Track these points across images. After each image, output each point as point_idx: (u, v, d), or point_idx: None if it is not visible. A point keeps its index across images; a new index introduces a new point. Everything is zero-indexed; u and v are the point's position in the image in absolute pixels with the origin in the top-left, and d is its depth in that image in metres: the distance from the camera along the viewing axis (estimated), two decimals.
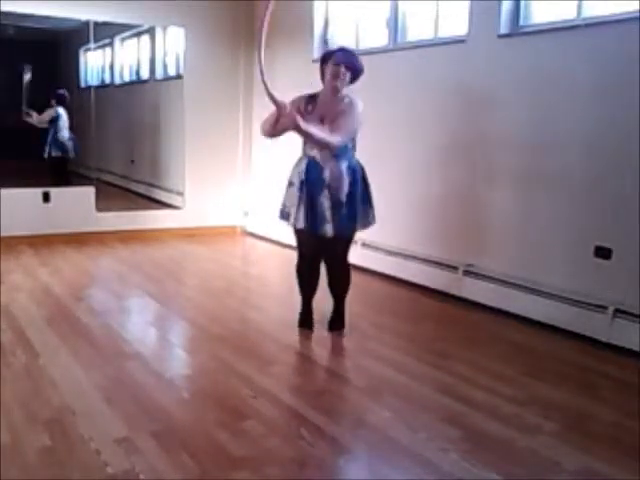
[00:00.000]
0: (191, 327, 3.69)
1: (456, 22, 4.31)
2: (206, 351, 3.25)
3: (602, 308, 3.37)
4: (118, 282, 4.64)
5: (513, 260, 3.92)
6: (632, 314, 3.25)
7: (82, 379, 2.79)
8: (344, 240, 3.36)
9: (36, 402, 2.54)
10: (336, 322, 3.54)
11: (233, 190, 6.55)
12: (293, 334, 3.47)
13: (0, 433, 2.26)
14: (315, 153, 3.24)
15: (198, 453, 2.18)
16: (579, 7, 3.57)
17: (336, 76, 3.18)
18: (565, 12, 3.67)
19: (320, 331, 3.51)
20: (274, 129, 3.17)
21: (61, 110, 6.27)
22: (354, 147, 3.31)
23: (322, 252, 3.42)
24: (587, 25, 3.48)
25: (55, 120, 6.27)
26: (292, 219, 3.27)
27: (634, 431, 2.45)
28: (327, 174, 3.21)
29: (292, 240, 5.67)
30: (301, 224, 3.24)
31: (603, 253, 3.43)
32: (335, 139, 3.11)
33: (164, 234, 6.17)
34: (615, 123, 3.37)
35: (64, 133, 6.32)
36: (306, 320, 3.54)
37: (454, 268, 4.22)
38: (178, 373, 3.02)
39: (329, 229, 3.22)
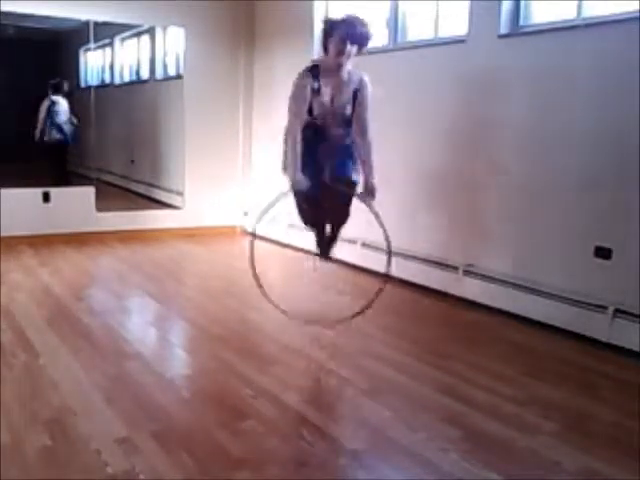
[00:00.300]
0: (191, 327, 3.69)
1: (456, 22, 4.31)
2: (206, 351, 3.25)
3: (602, 308, 3.37)
4: (118, 282, 4.64)
5: (513, 260, 3.92)
6: (632, 314, 3.25)
7: (82, 379, 2.79)
8: (346, 192, 3.39)
9: (36, 402, 2.54)
10: (329, 248, 3.69)
11: (233, 190, 6.55)
12: (293, 334, 3.47)
13: (0, 433, 2.26)
14: (317, 120, 3.29)
15: (198, 453, 2.18)
16: (579, 7, 3.57)
17: (341, 53, 3.14)
18: (565, 12, 3.66)
19: (320, 331, 3.51)
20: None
21: (56, 97, 6.25)
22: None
23: (324, 213, 3.49)
24: (587, 25, 3.47)
25: (50, 107, 6.26)
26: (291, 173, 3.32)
27: (634, 431, 2.45)
28: (329, 135, 3.30)
29: (291, 240, 5.67)
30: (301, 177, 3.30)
31: (603, 253, 3.43)
32: (371, 137, 3.30)
33: (164, 234, 6.17)
34: (615, 123, 3.36)
35: (61, 117, 6.31)
36: (322, 248, 3.67)
37: (454, 268, 4.22)
38: (178, 373, 3.02)
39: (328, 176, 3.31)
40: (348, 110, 3.28)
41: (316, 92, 3.23)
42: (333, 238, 3.70)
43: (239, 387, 2.75)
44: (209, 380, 2.89)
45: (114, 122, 6.83)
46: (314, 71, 3.27)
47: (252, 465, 2.12)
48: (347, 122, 3.30)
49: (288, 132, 3.29)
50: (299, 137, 3.26)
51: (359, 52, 3.19)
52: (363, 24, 3.18)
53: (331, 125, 3.30)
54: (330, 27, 3.22)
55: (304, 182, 3.25)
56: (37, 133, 6.19)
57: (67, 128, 6.35)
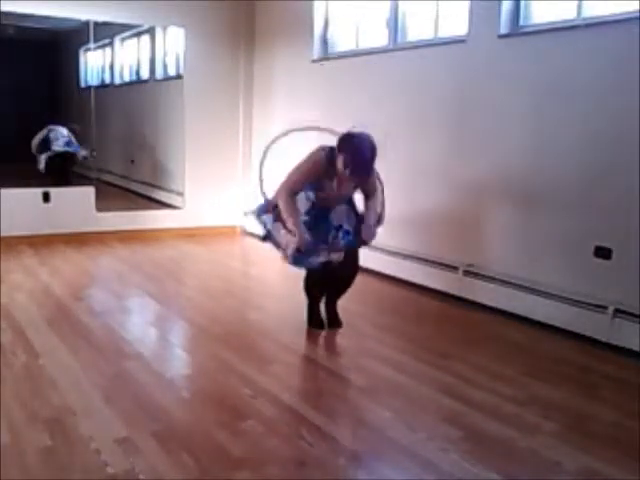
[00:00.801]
0: (191, 327, 3.69)
1: (456, 22, 4.31)
2: (206, 351, 3.25)
3: (602, 308, 3.37)
4: (118, 282, 4.64)
5: (513, 260, 3.92)
6: (632, 314, 3.25)
7: (82, 379, 2.79)
8: (354, 252, 3.41)
9: (36, 402, 2.54)
10: (335, 321, 3.55)
11: (233, 190, 6.55)
12: (293, 334, 3.47)
13: (0, 433, 2.26)
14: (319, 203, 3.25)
15: (198, 453, 2.18)
16: (579, 7, 3.57)
17: (346, 185, 3.20)
18: (565, 12, 3.67)
19: (320, 331, 3.51)
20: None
21: (52, 126, 6.25)
22: None
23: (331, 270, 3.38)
24: (587, 25, 3.48)
25: (48, 134, 6.26)
26: (287, 253, 3.24)
27: (634, 431, 2.45)
28: (333, 215, 3.28)
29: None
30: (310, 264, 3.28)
31: (603, 253, 3.43)
32: (378, 208, 3.37)
33: (164, 234, 6.17)
34: (615, 123, 3.36)
35: (59, 142, 6.30)
36: (316, 320, 3.54)
37: (454, 268, 4.23)
38: (178, 373, 3.02)
39: (337, 256, 3.29)
40: (352, 192, 3.33)
41: (327, 178, 3.19)
42: (335, 306, 3.57)
43: (239, 387, 2.75)
44: (209, 380, 2.89)
45: (114, 122, 6.83)
46: (331, 156, 3.16)
47: (252, 465, 2.12)
48: (350, 199, 3.36)
49: (282, 199, 3.17)
50: (292, 201, 3.18)
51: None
52: (368, 157, 3.06)
53: (334, 204, 3.29)
54: (340, 143, 3.12)
55: (309, 238, 3.15)
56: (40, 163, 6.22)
57: (64, 146, 6.34)
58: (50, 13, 5.49)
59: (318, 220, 3.25)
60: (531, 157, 3.80)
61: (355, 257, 3.45)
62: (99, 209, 5.96)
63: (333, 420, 2.49)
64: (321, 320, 3.54)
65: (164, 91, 6.80)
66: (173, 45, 6.47)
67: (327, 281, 3.48)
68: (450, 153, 4.32)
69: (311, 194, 3.23)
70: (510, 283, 3.86)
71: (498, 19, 3.92)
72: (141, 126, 7.00)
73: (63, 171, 6.38)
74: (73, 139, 6.34)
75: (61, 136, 6.30)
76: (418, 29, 4.75)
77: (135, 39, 6.85)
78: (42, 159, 6.21)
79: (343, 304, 3.62)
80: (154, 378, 2.84)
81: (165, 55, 6.64)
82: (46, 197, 5.76)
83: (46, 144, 6.25)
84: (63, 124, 6.32)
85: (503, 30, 3.92)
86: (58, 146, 6.29)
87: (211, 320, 3.70)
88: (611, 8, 3.42)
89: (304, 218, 3.22)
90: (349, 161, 3.05)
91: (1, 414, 2.39)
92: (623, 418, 2.57)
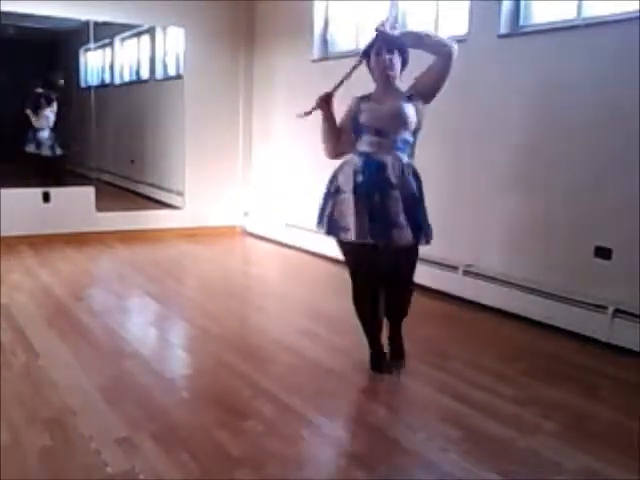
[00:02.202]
0: (191, 327, 3.69)
1: (456, 22, 4.31)
2: (206, 351, 3.25)
3: (602, 308, 3.37)
4: (118, 282, 4.64)
5: (513, 260, 3.92)
6: (632, 314, 3.25)
7: (82, 379, 2.79)
8: (413, 251, 2.91)
9: (36, 402, 2.54)
10: (397, 352, 3.02)
11: (233, 190, 6.55)
12: (293, 334, 3.47)
13: (0, 433, 2.26)
14: (370, 149, 2.75)
15: (198, 453, 2.18)
16: (579, 7, 3.58)
17: (383, 65, 2.76)
18: (565, 12, 3.67)
19: (319, 331, 3.51)
20: (331, 140, 2.83)
21: (46, 100, 6.18)
22: (414, 147, 2.93)
23: (382, 270, 2.85)
24: (587, 25, 3.48)
25: (37, 110, 6.21)
26: (350, 233, 2.69)
27: (634, 431, 2.44)
28: (391, 171, 2.73)
29: (292, 240, 5.67)
30: (364, 237, 2.69)
31: (603, 253, 3.43)
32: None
33: (164, 234, 6.17)
34: (615, 123, 3.37)
35: (44, 134, 6.26)
36: (379, 361, 2.95)
37: (454, 268, 4.22)
38: (178, 373, 3.02)
39: (404, 235, 2.76)
40: (404, 102, 2.81)
41: (365, 103, 2.83)
42: (398, 333, 3.00)
43: (239, 387, 2.75)
44: (209, 380, 2.89)
45: (114, 122, 6.83)
46: (363, 98, 2.88)
47: (252, 465, 2.12)
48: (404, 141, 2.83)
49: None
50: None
51: (403, 64, 2.82)
52: (392, 32, 2.80)
53: (386, 152, 2.76)
54: (364, 52, 2.89)
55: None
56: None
57: (47, 143, 6.28)
58: (50, 13, 5.49)
59: (372, 174, 2.71)
60: (530, 157, 3.80)
61: (413, 257, 2.95)
62: (99, 209, 5.96)
63: (333, 420, 2.49)
64: (383, 357, 2.96)
65: (164, 91, 6.80)
66: (173, 45, 6.48)
67: (377, 293, 2.88)
68: (449, 153, 4.31)
69: (366, 136, 2.79)
70: (510, 283, 3.86)
71: (498, 19, 3.92)
72: (141, 126, 7.00)
73: (55, 173, 6.35)
74: (52, 133, 6.29)
75: (47, 125, 6.23)
76: (418, 29, 4.74)
77: (135, 39, 6.86)
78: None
79: (341, 303, 3.61)
80: (154, 378, 2.84)
81: (165, 55, 6.64)
82: (46, 197, 5.76)
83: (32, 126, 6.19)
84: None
85: (503, 30, 3.92)
86: (43, 138, 6.23)
87: (211, 320, 3.70)
88: (611, 8, 3.42)
89: (360, 178, 2.72)
90: (377, 44, 2.77)
91: (1, 414, 2.39)
92: (623, 418, 2.57)
